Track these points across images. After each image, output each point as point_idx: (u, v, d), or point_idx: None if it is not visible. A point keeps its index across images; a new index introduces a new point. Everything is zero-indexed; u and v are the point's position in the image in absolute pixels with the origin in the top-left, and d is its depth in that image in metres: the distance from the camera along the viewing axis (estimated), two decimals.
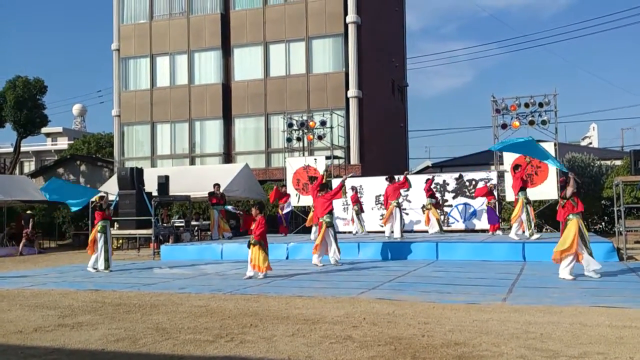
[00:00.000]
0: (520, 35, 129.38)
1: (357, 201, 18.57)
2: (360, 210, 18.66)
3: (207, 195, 18.74)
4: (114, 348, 5.90)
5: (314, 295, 8.80)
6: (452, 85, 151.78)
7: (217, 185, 18.50)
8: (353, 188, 18.61)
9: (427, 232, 17.90)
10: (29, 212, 22.82)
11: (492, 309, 7.35)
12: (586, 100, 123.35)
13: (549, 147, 18.08)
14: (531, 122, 18.52)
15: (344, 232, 19.08)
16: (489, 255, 13.44)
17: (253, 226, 11.07)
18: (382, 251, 14.50)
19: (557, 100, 18.43)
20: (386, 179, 16.15)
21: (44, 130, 45.72)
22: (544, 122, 18.43)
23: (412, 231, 18.97)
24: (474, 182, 18.95)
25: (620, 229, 13.13)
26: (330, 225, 12.52)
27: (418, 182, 19.42)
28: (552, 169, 17.73)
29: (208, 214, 24.83)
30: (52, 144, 56.92)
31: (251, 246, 10.92)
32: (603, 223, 20.35)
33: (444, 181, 19.43)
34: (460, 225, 19.01)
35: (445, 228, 18.67)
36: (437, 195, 18.76)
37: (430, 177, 18.81)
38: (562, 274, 9.72)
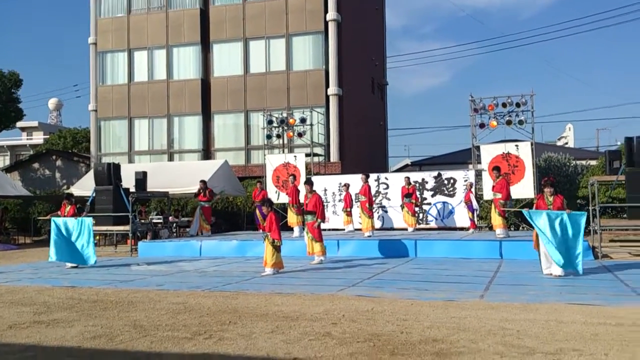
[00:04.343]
0: (498, 35, 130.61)
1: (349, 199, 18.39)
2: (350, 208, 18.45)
3: (185, 192, 18.61)
4: (90, 345, 5.83)
5: (294, 293, 8.81)
6: (431, 84, 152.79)
7: (202, 182, 18.37)
8: (347, 185, 18.31)
9: (406, 229, 18.01)
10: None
11: (469, 306, 7.42)
12: (563, 101, 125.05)
13: (526, 146, 18.34)
14: (508, 122, 18.72)
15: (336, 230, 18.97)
16: (467, 253, 13.57)
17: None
18: (361, 248, 14.55)
19: (534, 101, 18.65)
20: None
21: (19, 124, 45.05)
22: (520, 122, 18.63)
23: (391, 229, 19.09)
24: (452, 181, 19.09)
25: (596, 228, 13.33)
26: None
27: (397, 180, 19.54)
28: (529, 168, 17.92)
29: (186, 210, 24.77)
30: (27, 139, 55.98)
31: (266, 242, 11.26)
32: None
33: (423, 179, 19.52)
34: (438, 223, 19.13)
35: (423, 226, 18.91)
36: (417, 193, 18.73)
37: (405, 181, 18.43)
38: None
